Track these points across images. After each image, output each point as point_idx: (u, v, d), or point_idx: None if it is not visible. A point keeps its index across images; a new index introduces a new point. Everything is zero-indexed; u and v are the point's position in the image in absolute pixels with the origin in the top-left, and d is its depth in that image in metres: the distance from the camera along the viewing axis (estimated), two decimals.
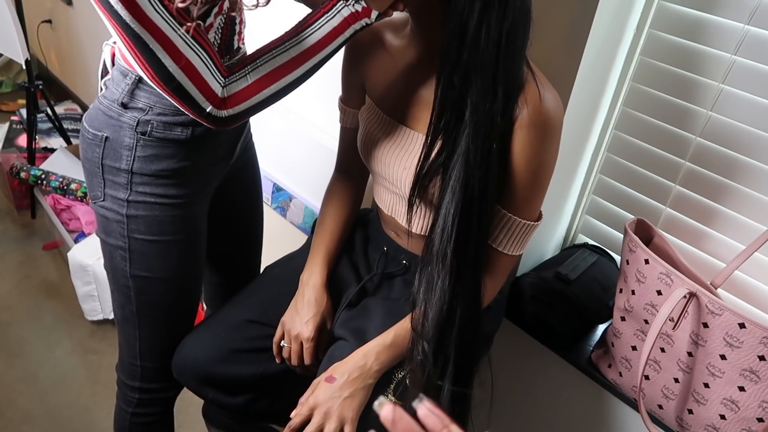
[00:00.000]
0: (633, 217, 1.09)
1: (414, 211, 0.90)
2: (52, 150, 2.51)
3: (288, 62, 0.80)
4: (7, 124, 2.87)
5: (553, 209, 1.22)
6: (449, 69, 0.80)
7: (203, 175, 1.03)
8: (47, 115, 2.45)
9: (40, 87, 2.34)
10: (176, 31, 0.73)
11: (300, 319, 1.01)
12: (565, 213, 1.29)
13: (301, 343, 1.00)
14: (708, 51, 1.00)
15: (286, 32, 0.81)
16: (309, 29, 0.79)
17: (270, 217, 1.73)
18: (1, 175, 2.52)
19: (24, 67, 2.19)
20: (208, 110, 0.79)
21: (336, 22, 0.78)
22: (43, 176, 2.19)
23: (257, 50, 0.82)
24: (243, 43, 1.00)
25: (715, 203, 1.07)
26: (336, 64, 0.91)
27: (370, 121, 0.98)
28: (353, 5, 0.77)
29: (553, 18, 1.00)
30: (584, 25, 0.96)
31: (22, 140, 2.69)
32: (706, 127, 1.04)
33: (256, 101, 0.81)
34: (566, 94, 1.02)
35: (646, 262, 0.97)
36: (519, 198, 0.86)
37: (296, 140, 1.61)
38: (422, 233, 0.95)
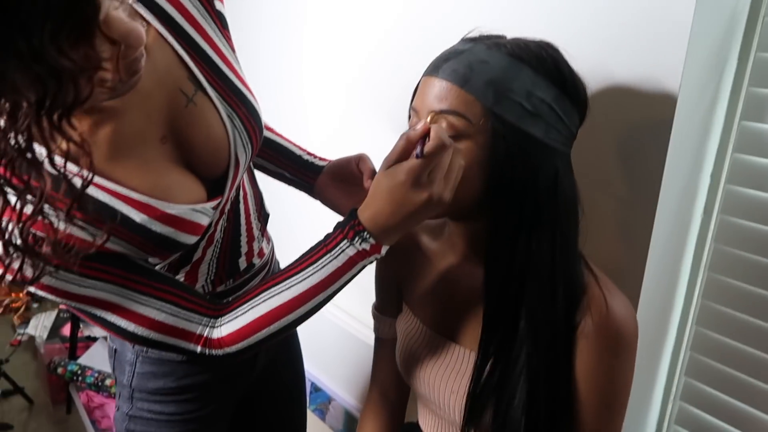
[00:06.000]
0: None
1: None
2: (95, 339, 2.48)
3: (289, 301, 0.71)
4: (56, 311, 2.89)
5: None
6: (500, 274, 0.69)
7: (211, 392, 0.93)
8: None
9: None
10: (123, 296, 0.68)
11: None
12: None
13: None
14: None
15: (287, 267, 0.73)
16: (311, 267, 0.71)
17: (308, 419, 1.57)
18: (42, 368, 2.47)
19: None
20: (199, 352, 0.73)
21: (340, 262, 0.70)
22: (79, 372, 2.14)
23: (256, 287, 0.75)
24: (259, 258, 0.94)
25: None
26: None
27: (409, 333, 0.86)
28: (359, 244, 0.68)
29: (608, 212, 0.89)
30: (647, 217, 0.85)
31: (67, 329, 2.69)
32: None
33: (255, 340, 0.73)
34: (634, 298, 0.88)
35: None
36: (588, 427, 0.70)
37: (334, 334, 1.50)
38: None
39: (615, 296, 0.70)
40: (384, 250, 0.70)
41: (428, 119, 0.66)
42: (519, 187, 0.66)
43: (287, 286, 0.71)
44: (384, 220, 0.66)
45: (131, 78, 0.61)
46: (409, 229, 0.69)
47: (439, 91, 0.66)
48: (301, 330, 1.47)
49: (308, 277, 0.71)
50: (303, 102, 1.45)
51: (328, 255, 0.70)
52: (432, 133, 0.63)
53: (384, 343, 0.96)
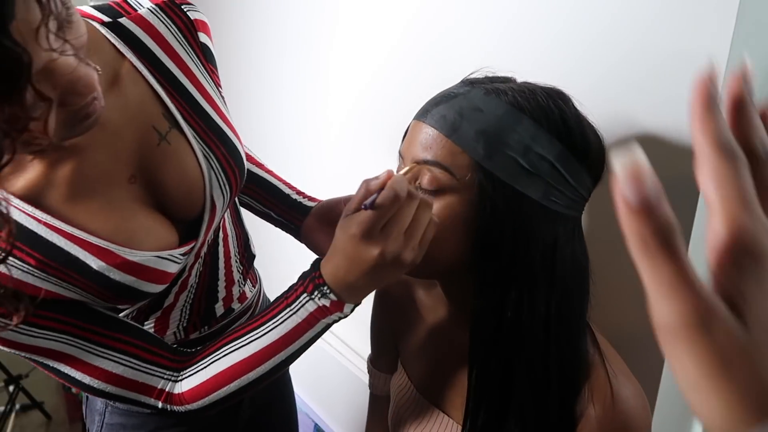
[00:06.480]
0: None
1: None
2: None
3: (251, 357, 0.65)
4: None
5: None
6: (483, 349, 0.61)
7: None
8: None
9: None
10: (78, 347, 0.62)
11: None
12: None
13: None
14: None
15: (249, 321, 0.67)
16: (271, 322, 0.64)
17: None
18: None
19: None
20: (160, 407, 0.67)
21: (300, 317, 0.63)
22: None
23: (220, 339, 0.68)
24: (240, 302, 0.87)
25: None
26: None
27: (401, 396, 0.78)
28: (319, 299, 0.61)
29: (627, 277, 0.79)
30: None
31: None
32: None
33: (217, 397, 0.66)
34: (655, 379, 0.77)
35: None
36: None
37: (342, 376, 1.42)
38: None
39: (623, 382, 0.60)
40: (348, 308, 0.62)
41: (400, 169, 0.59)
42: (508, 253, 0.57)
43: (248, 341, 0.65)
44: (342, 275, 0.60)
45: (83, 123, 0.56)
46: (373, 288, 0.61)
47: (425, 139, 0.58)
48: (309, 371, 1.40)
49: (268, 332, 0.64)
50: (328, 134, 1.40)
51: (288, 309, 0.63)
52: (387, 183, 0.55)
53: (378, 400, 0.89)
